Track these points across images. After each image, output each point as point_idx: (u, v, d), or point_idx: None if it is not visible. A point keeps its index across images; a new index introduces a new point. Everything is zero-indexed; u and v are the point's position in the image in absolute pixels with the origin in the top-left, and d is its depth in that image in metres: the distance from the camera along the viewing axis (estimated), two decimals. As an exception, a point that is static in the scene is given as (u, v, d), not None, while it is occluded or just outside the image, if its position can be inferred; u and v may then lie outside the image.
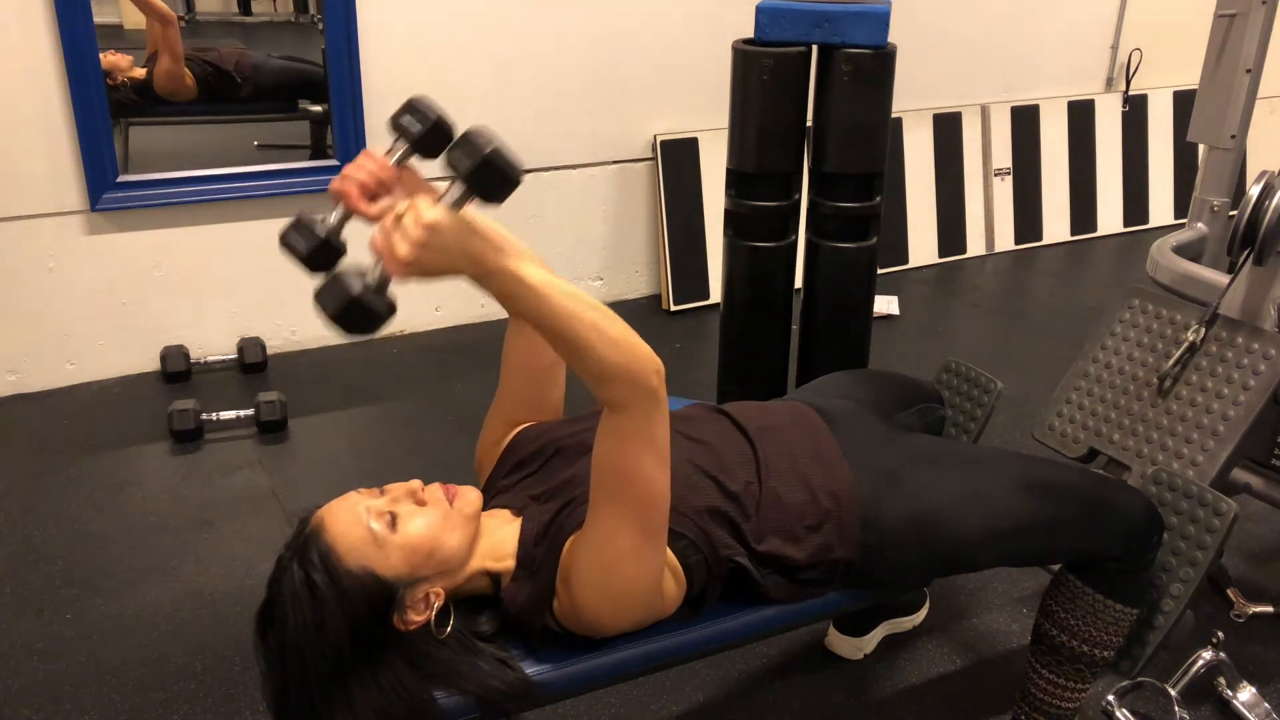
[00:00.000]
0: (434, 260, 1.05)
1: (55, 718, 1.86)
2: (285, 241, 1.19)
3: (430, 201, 1.06)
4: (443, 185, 1.11)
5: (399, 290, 1.09)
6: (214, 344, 3.24)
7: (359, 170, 1.20)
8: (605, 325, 1.12)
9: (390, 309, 1.08)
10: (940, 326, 3.72)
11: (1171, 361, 1.84)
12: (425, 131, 1.20)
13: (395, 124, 1.22)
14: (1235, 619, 2.09)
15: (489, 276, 1.09)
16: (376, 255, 1.07)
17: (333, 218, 1.19)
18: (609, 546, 1.19)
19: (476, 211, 1.12)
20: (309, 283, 1.10)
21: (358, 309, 1.05)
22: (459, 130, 1.15)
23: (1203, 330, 1.83)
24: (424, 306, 3.52)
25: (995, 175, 4.37)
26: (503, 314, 1.48)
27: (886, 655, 2.04)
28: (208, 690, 1.93)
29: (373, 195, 1.20)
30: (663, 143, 3.67)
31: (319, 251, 1.18)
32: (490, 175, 1.07)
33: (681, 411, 1.52)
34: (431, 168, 1.23)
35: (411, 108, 1.21)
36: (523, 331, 1.47)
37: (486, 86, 3.38)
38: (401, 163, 1.23)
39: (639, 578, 1.22)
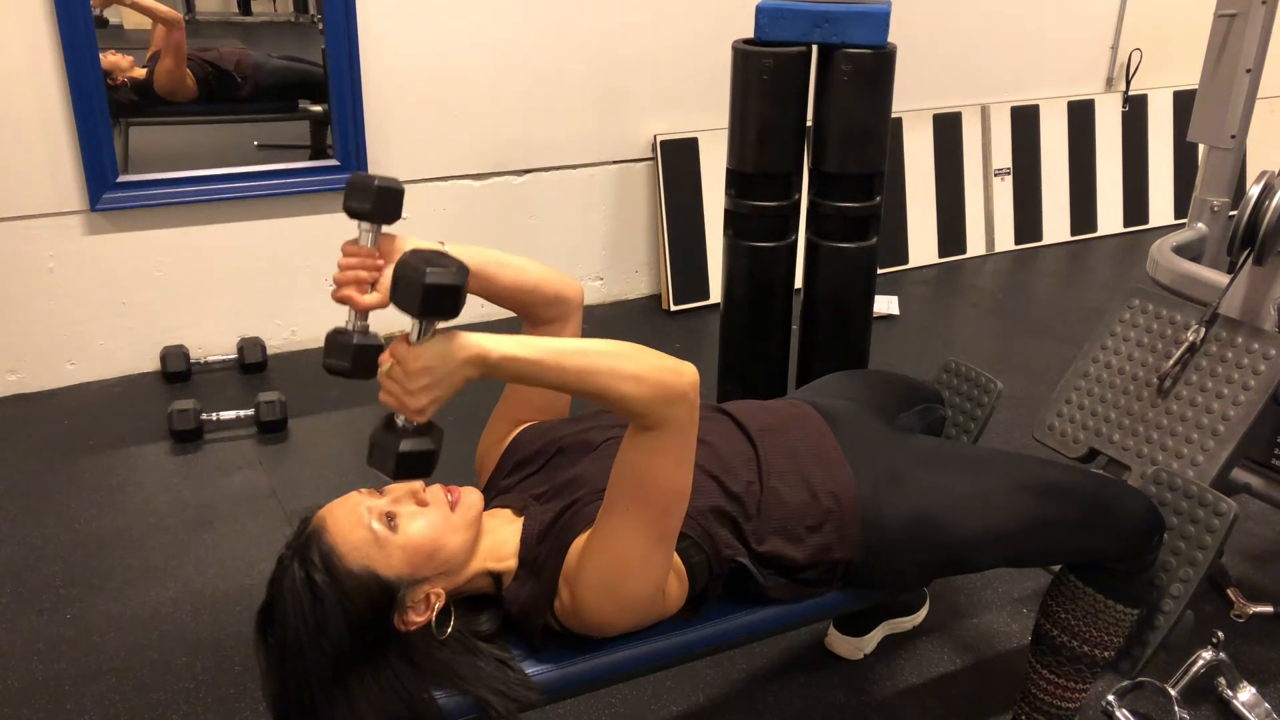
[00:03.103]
0: (443, 391, 1.08)
1: (55, 718, 1.86)
2: (329, 367, 1.21)
3: (405, 347, 1.07)
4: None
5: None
6: (214, 344, 3.23)
7: (345, 272, 1.22)
8: (622, 366, 1.13)
9: (439, 439, 1.13)
10: (940, 326, 3.72)
11: (1171, 361, 1.84)
12: (374, 205, 1.21)
13: (347, 210, 1.23)
14: (1235, 619, 2.09)
15: (495, 371, 1.11)
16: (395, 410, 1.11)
17: (353, 322, 1.22)
18: (622, 549, 1.19)
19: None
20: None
21: (411, 459, 1.10)
22: (400, 180, 1.17)
23: (1203, 330, 1.82)
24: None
25: (995, 175, 4.37)
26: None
27: (886, 655, 2.04)
28: (208, 690, 1.93)
29: (372, 282, 1.22)
30: (663, 143, 3.67)
31: (360, 355, 1.19)
32: (439, 299, 1.06)
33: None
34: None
35: (351, 189, 1.22)
36: (536, 330, 1.47)
37: (486, 86, 3.38)
38: (375, 241, 1.24)
39: (647, 580, 1.22)
